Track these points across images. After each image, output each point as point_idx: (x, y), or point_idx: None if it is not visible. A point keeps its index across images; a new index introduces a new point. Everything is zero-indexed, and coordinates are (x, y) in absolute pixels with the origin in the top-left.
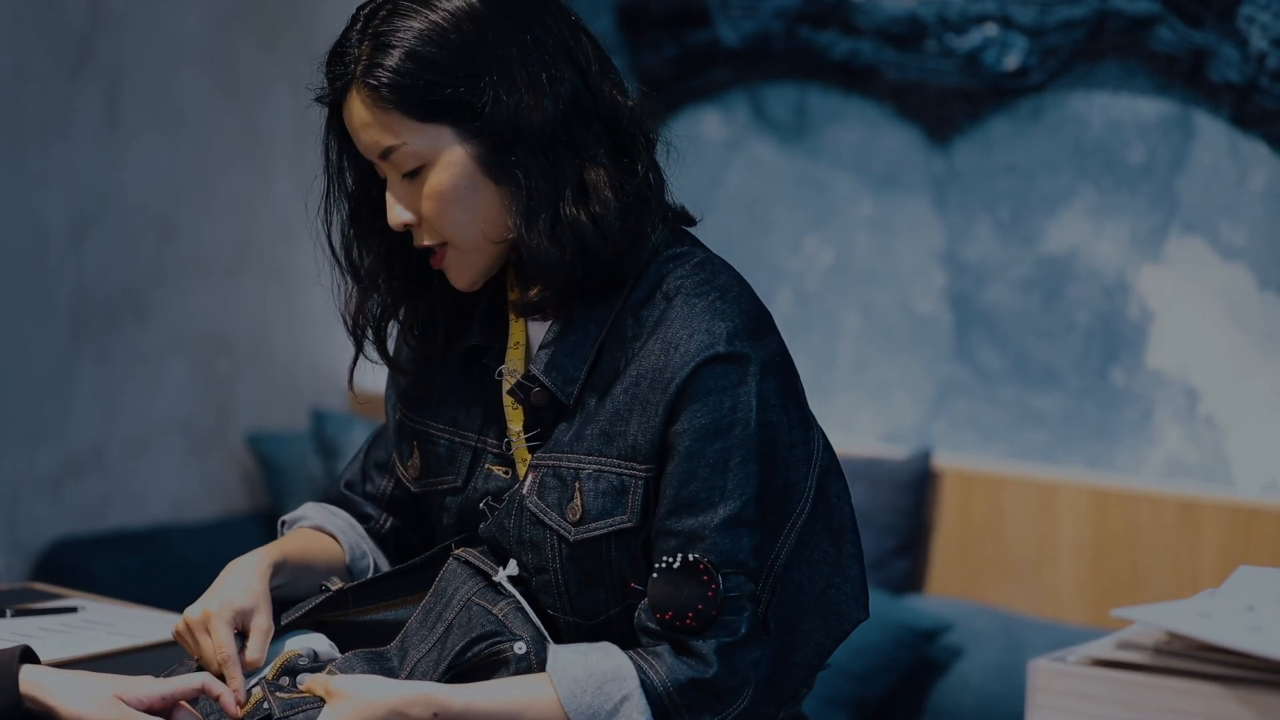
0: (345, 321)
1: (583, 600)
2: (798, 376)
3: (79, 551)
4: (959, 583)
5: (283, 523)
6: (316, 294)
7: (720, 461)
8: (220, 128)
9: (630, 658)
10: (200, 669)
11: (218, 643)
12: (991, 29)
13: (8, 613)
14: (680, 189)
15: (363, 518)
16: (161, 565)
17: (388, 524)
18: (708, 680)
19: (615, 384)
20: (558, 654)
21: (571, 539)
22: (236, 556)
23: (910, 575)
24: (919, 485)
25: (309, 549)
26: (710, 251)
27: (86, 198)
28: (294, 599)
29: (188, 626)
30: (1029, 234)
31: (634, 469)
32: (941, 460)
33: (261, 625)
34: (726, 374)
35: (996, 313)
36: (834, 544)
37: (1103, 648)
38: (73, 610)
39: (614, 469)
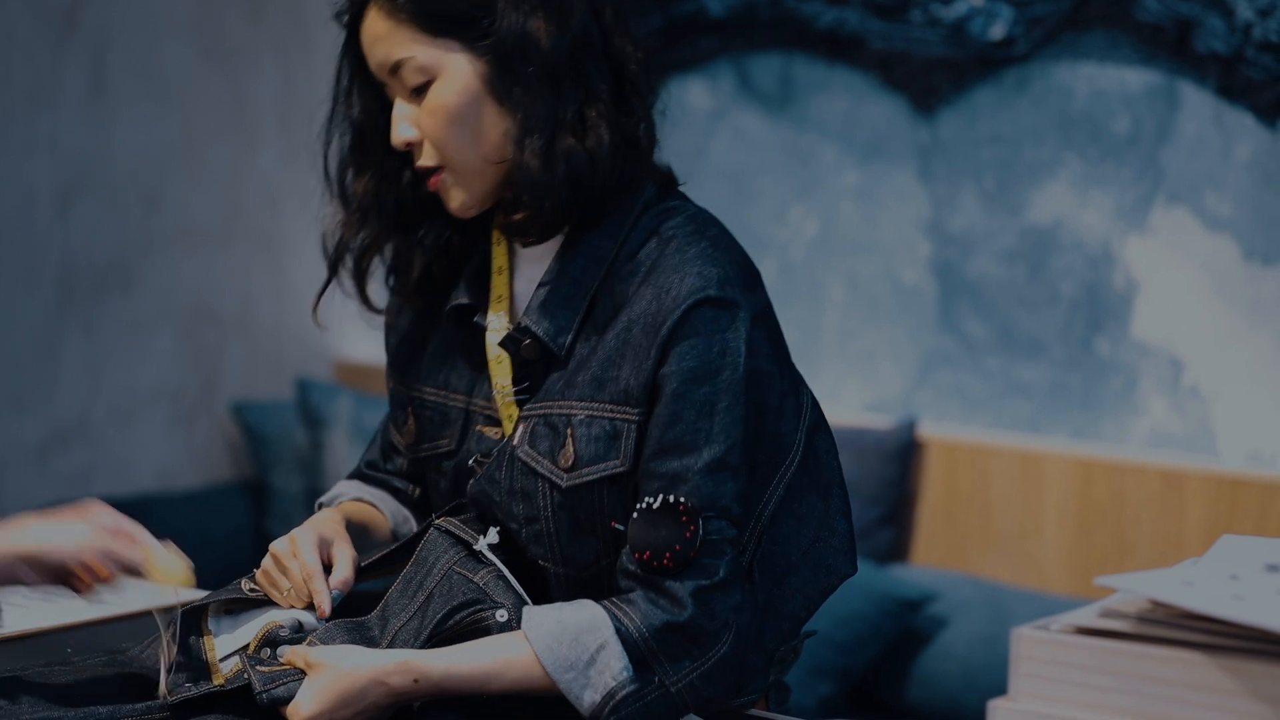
0: (325, 246)
1: (574, 549)
2: (783, 334)
3: None
4: (944, 553)
5: (320, 504)
6: (303, 264)
7: (707, 405)
8: (207, 97)
9: (604, 607)
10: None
11: (303, 561)
12: None
13: None
14: (666, 157)
15: (393, 491)
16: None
17: (416, 493)
18: (682, 624)
19: (608, 331)
20: (532, 612)
21: (564, 485)
22: (221, 526)
23: (895, 545)
24: (904, 455)
25: (362, 513)
26: (701, 207)
27: (73, 167)
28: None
29: (275, 557)
30: (1014, 204)
31: (626, 413)
32: (926, 430)
33: (346, 552)
34: (716, 318)
35: (982, 283)
36: (822, 498)
37: (1086, 616)
38: None
39: (606, 414)
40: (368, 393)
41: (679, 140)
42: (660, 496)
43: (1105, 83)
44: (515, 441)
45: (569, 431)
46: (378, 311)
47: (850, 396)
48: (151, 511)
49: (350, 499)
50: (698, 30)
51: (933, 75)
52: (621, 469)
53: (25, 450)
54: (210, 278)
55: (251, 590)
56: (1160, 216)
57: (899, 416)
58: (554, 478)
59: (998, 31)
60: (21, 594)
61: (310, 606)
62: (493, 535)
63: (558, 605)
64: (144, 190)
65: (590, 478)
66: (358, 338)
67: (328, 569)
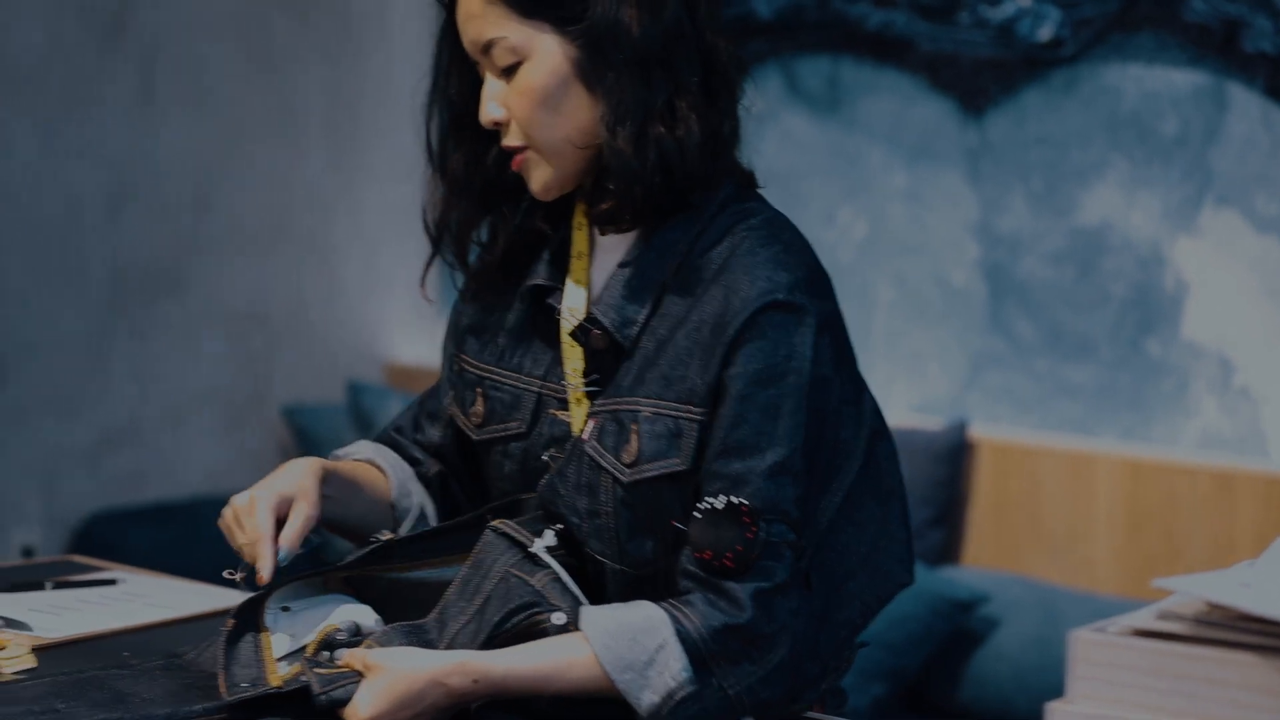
0: (426, 221)
1: (633, 547)
2: (850, 343)
3: (115, 524)
4: (995, 554)
5: (334, 454)
6: (352, 266)
7: (771, 407)
8: (254, 101)
9: (663, 608)
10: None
11: (254, 523)
12: (1025, 0)
13: (48, 585)
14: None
15: (411, 460)
16: (197, 538)
17: (434, 470)
18: (742, 625)
19: (677, 329)
20: (589, 612)
21: (625, 480)
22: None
23: (946, 546)
24: (954, 456)
25: (358, 472)
26: (779, 211)
27: (121, 171)
28: (337, 521)
29: (234, 513)
30: (1063, 206)
31: (690, 412)
32: (977, 432)
33: (303, 512)
34: (784, 321)
35: (1030, 284)
36: (881, 506)
37: (1143, 618)
38: (112, 583)
39: (670, 412)
40: (418, 395)
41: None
42: (723, 497)
43: (1153, 84)
44: (585, 436)
45: (634, 427)
46: (480, 277)
47: (899, 398)
48: (201, 514)
49: (360, 459)
50: (746, 33)
51: (981, 77)
52: (681, 467)
53: (77, 453)
54: (260, 281)
55: (229, 574)
56: (1209, 217)
57: (949, 418)
58: (616, 472)
59: (1045, 33)
60: (50, 600)
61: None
62: (549, 537)
63: (615, 605)
64: (192, 194)
65: (651, 474)
66: (408, 340)
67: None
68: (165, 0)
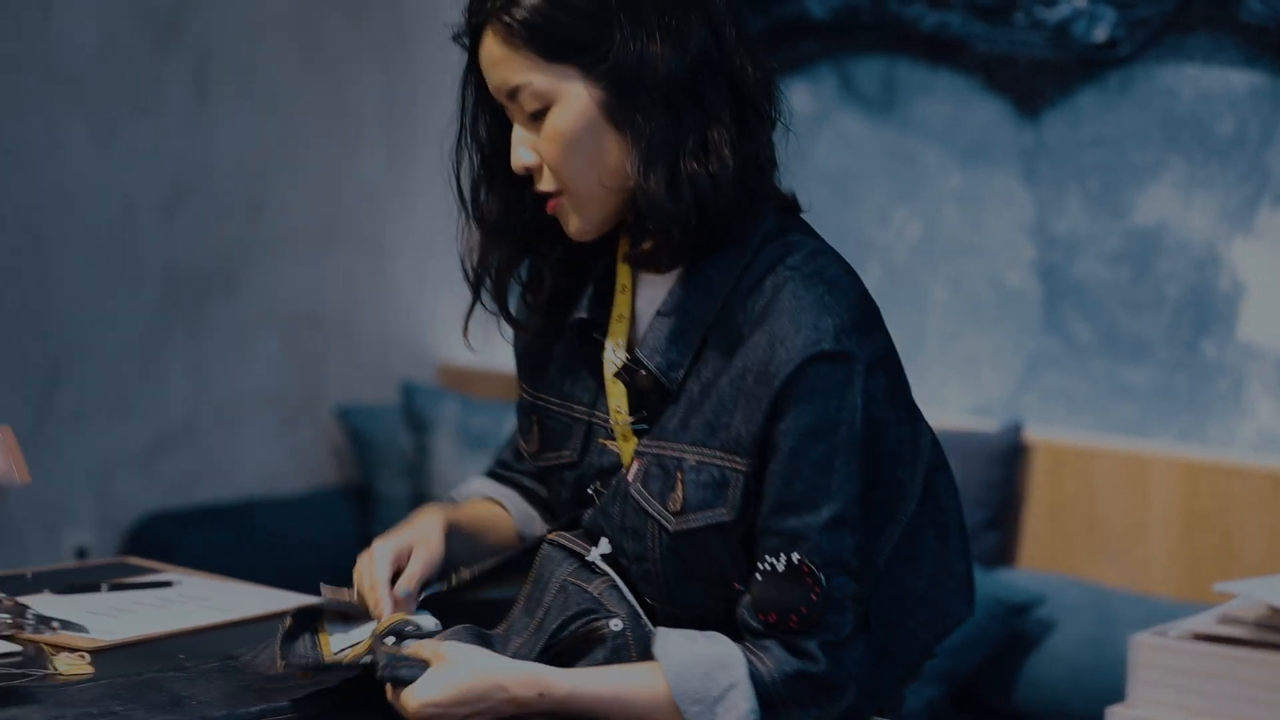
0: (465, 267)
1: (681, 592)
2: (904, 373)
3: (169, 525)
4: (1050, 556)
5: (450, 497)
6: (406, 267)
7: (824, 461)
8: (309, 101)
9: (741, 648)
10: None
11: (372, 570)
12: (1080, 1)
13: (104, 587)
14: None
15: (522, 490)
16: (251, 539)
17: (544, 493)
18: (817, 675)
19: (721, 375)
20: (667, 638)
21: (672, 529)
22: (326, 530)
23: (1001, 549)
24: (1009, 458)
25: (482, 517)
26: (822, 240)
27: (175, 173)
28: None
29: (359, 561)
30: (1118, 207)
31: (735, 463)
32: (1032, 433)
33: (421, 557)
34: (832, 372)
35: (1086, 285)
36: (940, 540)
37: (1204, 622)
38: (168, 584)
39: (716, 461)
40: (472, 397)
41: (781, 144)
42: (783, 557)
43: (1209, 84)
44: (630, 478)
45: (679, 475)
46: (523, 329)
47: (953, 400)
48: (256, 516)
49: (479, 497)
50: (800, 33)
51: (1036, 78)
52: (727, 519)
53: (131, 455)
54: (314, 282)
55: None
56: (1266, 218)
57: (1004, 419)
58: (663, 520)
59: (1101, 34)
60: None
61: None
62: (605, 545)
63: (691, 635)
64: (247, 195)
65: (697, 524)
66: (461, 341)
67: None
68: (219, 1)
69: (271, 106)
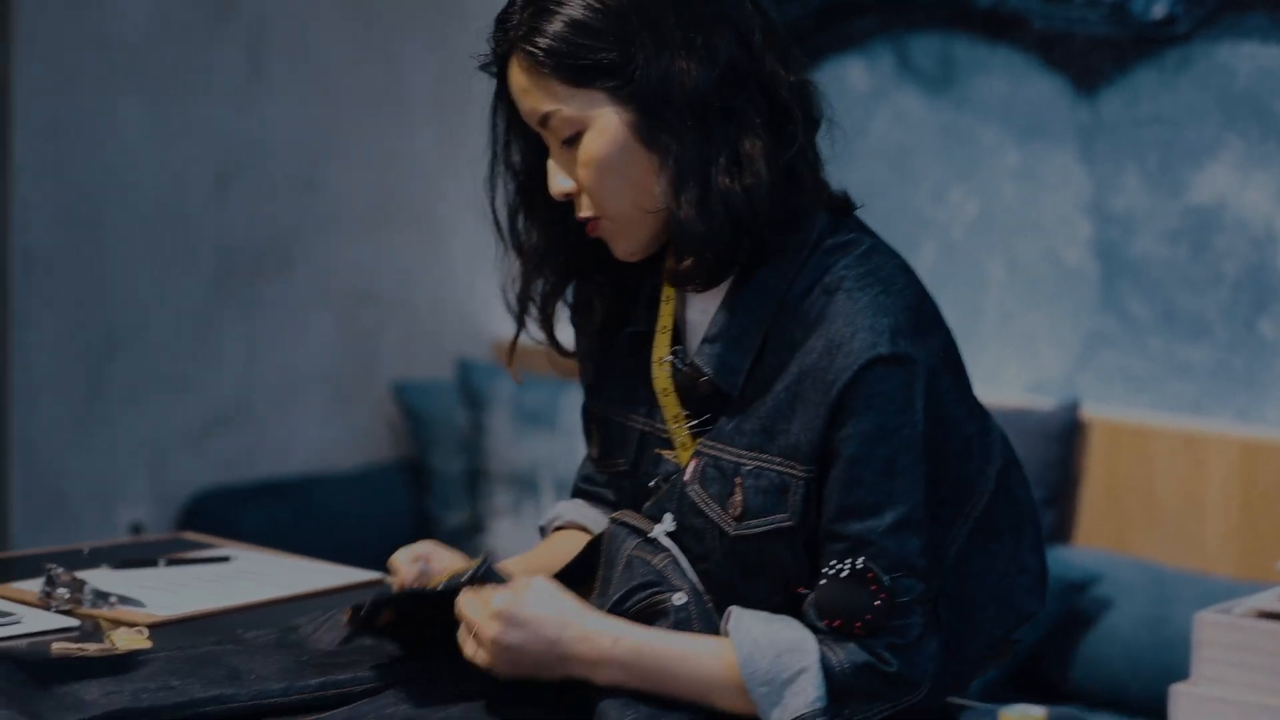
0: (507, 298)
1: (744, 590)
2: (964, 368)
3: (224, 502)
4: (1107, 534)
5: (541, 528)
6: (461, 244)
7: (887, 465)
8: (361, 79)
9: (816, 637)
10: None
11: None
12: None
13: (161, 562)
14: (824, 140)
15: (609, 505)
16: (307, 515)
17: None
18: (887, 672)
19: (777, 379)
20: (741, 616)
21: (732, 534)
22: (381, 507)
23: (1058, 527)
24: (1067, 436)
25: (557, 551)
26: (877, 238)
27: (229, 150)
28: None
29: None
30: (1176, 185)
31: (794, 468)
32: (1089, 412)
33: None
34: (891, 376)
35: (1144, 263)
36: (1013, 534)
37: (1268, 600)
38: (225, 560)
39: (774, 467)
40: (527, 374)
41: (826, 141)
42: (848, 562)
43: (1267, 62)
44: (687, 478)
45: (737, 480)
46: (569, 355)
47: (1010, 378)
48: (311, 493)
49: (566, 521)
50: (856, 10)
51: (1093, 55)
52: (789, 523)
53: (186, 433)
54: (368, 259)
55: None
56: None
57: (1061, 398)
58: (723, 525)
59: (1159, 11)
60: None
61: None
62: (669, 522)
63: (766, 616)
64: (300, 172)
65: (759, 529)
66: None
67: None
68: None
69: (325, 84)
